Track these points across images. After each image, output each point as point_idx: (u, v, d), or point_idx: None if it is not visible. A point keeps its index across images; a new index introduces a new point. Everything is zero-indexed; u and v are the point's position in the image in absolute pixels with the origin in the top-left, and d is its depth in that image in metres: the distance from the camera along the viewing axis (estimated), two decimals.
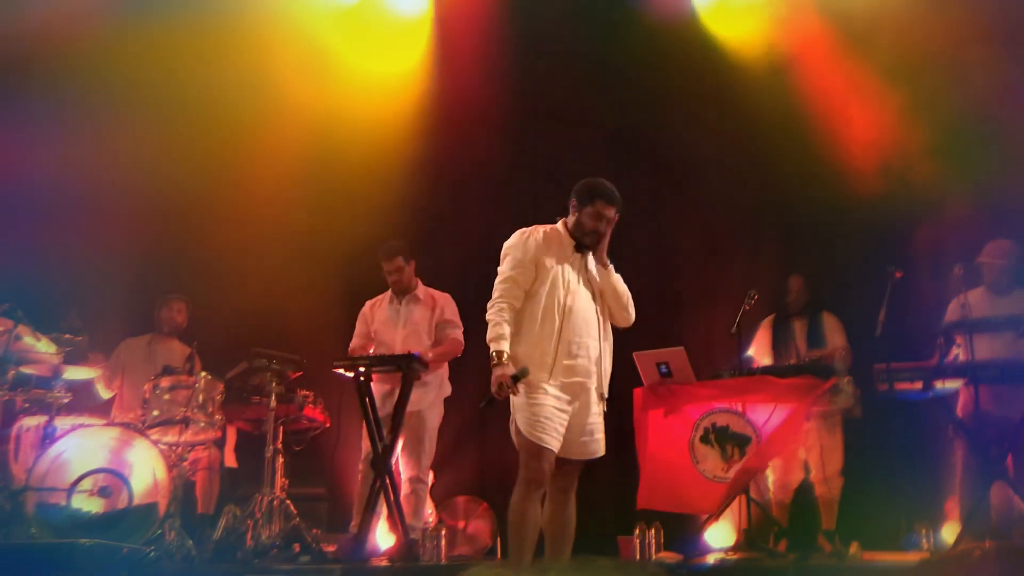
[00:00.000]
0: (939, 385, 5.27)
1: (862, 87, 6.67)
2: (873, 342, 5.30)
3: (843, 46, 6.78)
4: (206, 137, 6.71)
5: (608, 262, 4.33)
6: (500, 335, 4.14)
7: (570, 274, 4.25)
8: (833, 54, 6.80)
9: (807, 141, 6.68)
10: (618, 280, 4.35)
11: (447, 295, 6.25)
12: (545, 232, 4.32)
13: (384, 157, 7.19)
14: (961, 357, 5.41)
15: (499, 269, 4.31)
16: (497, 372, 4.09)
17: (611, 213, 4.29)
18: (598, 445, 4.27)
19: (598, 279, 4.32)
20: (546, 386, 4.13)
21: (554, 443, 4.11)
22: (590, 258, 4.34)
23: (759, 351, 6.07)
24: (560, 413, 4.14)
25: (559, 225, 4.38)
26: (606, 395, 4.29)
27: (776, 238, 6.97)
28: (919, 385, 5.25)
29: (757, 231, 7.10)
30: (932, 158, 6.24)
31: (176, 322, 6.63)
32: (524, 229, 4.35)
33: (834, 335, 5.94)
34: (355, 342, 6.21)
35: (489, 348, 4.15)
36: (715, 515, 5.52)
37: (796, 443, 5.39)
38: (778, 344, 6.01)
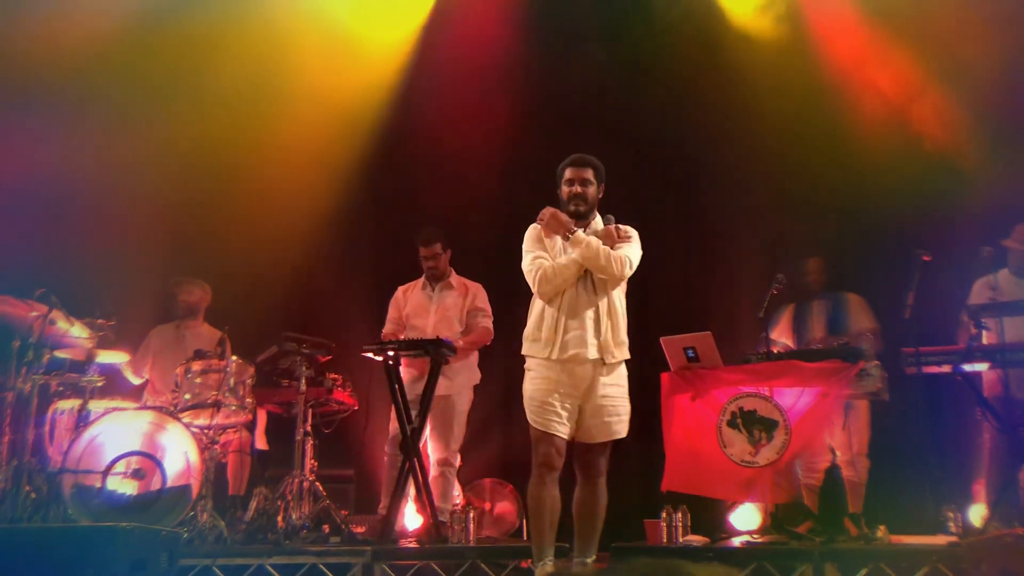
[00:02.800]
0: (968, 368, 5.25)
1: (888, 63, 6.61)
2: (901, 325, 5.28)
3: (869, 19, 6.71)
4: (235, 124, 6.76)
5: (572, 229, 4.38)
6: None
7: (568, 251, 4.38)
8: (859, 29, 6.74)
9: (834, 122, 6.63)
10: (587, 241, 4.33)
11: (479, 284, 6.34)
12: (546, 211, 4.51)
13: (414, 142, 7.21)
14: (989, 340, 5.37)
15: (523, 264, 4.48)
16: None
17: (583, 174, 4.47)
18: (619, 426, 4.32)
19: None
20: (549, 364, 4.27)
21: (558, 427, 4.21)
22: (592, 229, 4.48)
23: (780, 334, 6.06)
24: (565, 395, 4.23)
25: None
26: (612, 361, 4.33)
27: (803, 220, 6.92)
28: (947, 368, 5.24)
29: (783, 214, 7.06)
30: (960, 135, 6.18)
31: (190, 304, 6.66)
32: (533, 224, 4.55)
33: (860, 316, 5.90)
34: (388, 327, 6.29)
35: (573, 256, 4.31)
36: (745, 501, 5.54)
37: (831, 428, 5.38)
38: (798, 327, 5.99)
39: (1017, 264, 5.63)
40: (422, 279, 6.33)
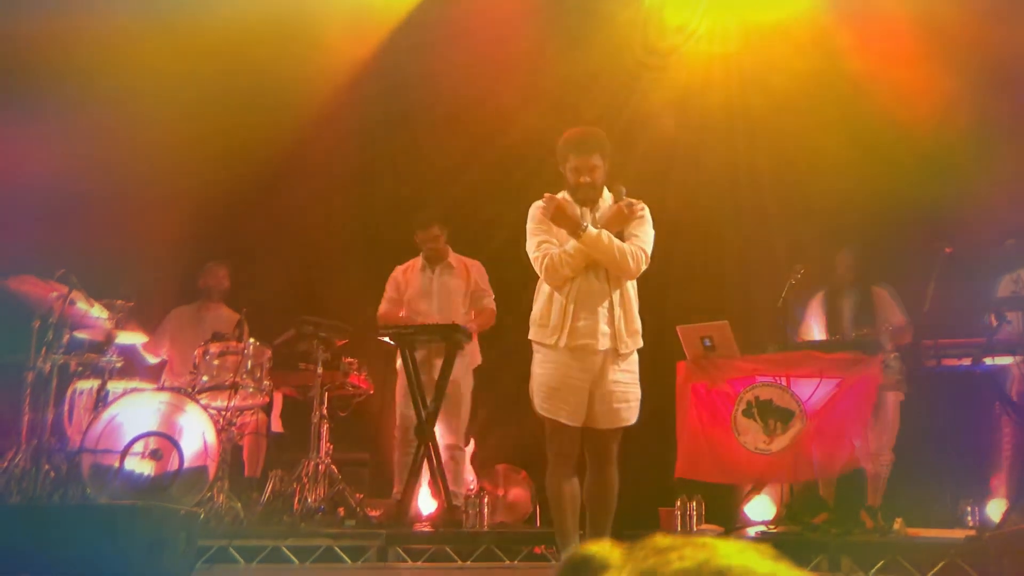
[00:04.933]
0: (989, 361, 5.20)
1: (911, 54, 6.53)
2: (921, 317, 5.24)
3: (890, 10, 6.63)
4: (251, 108, 6.75)
5: (583, 226, 4.11)
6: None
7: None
8: (881, 20, 6.66)
9: (855, 112, 6.57)
10: (598, 239, 4.09)
11: (478, 262, 6.27)
12: (549, 199, 4.25)
13: (423, 125, 7.19)
14: (1012, 333, 5.32)
15: (527, 247, 4.27)
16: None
17: (590, 161, 4.18)
18: (628, 412, 4.17)
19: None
20: (558, 351, 4.11)
21: (566, 414, 4.09)
22: (601, 210, 4.25)
23: (812, 328, 6.01)
24: (574, 381, 4.10)
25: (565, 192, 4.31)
26: (625, 352, 4.15)
27: (822, 211, 6.87)
28: (968, 361, 5.18)
29: (803, 203, 7.00)
30: (984, 127, 6.11)
31: (221, 287, 6.72)
32: (537, 202, 4.29)
33: (887, 309, 5.85)
34: (384, 307, 6.23)
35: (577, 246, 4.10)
36: (756, 489, 5.52)
37: (848, 422, 5.32)
38: (832, 321, 5.93)
39: None
40: (420, 259, 6.24)
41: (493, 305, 6.17)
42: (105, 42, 6.47)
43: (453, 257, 6.24)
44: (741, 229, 7.19)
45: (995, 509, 5.40)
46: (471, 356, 6.18)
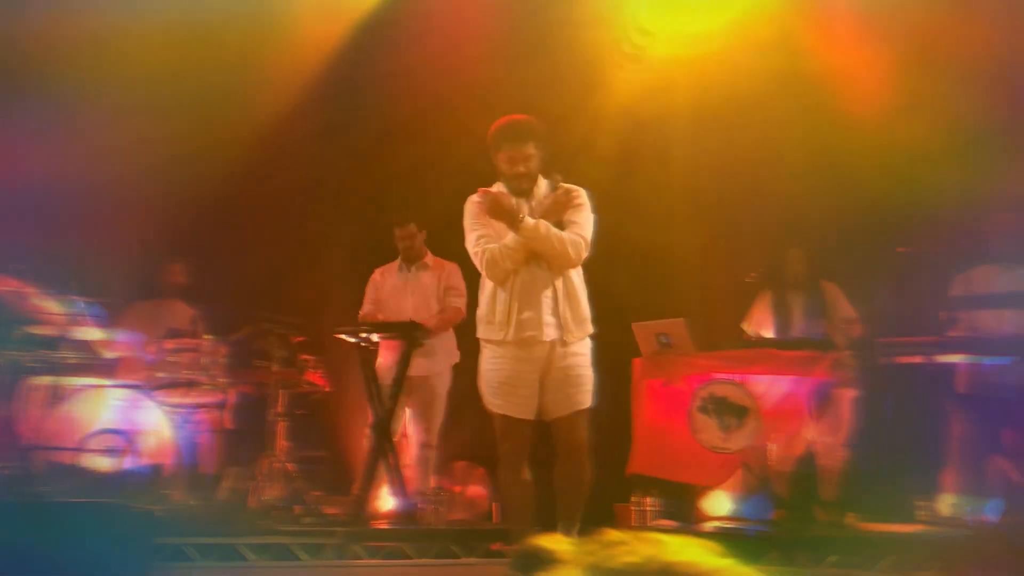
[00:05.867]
0: (940, 359, 5.30)
1: (868, 55, 6.61)
2: (875, 316, 5.32)
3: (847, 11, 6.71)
4: (214, 103, 6.68)
5: (520, 217, 4.05)
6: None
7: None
8: (837, 21, 6.73)
9: (813, 112, 6.64)
10: (536, 230, 4.04)
11: (454, 264, 6.27)
12: (484, 193, 4.22)
13: (390, 122, 7.16)
14: (963, 331, 5.42)
15: (467, 244, 4.23)
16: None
17: (524, 151, 4.10)
18: (581, 395, 4.12)
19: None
20: (505, 346, 4.10)
21: (516, 407, 4.08)
22: (537, 198, 4.20)
23: (757, 324, 6.08)
24: (523, 375, 4.07)
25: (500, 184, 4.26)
26: (572, 340, 4.11)
27: (779, 209, 6.93)
28: (920, 359, 5.28)
29: (760, 202, 7.07)
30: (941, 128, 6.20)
31: (178, 283, 6.66)
32: (470, 197, 4.25)
33: (838, 304, 5.93)
34: (365, 309, 6.27)
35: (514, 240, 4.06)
36: (715, 487, 5.57)
37: (806, 417, 5.40)
38: (778, 318, 6.00)
39: (994, 252, 5.66)
40: (398, 260, 6.30)
41: (460, 304, 6.15)
42: (59, 38, 6.38)
43: (430, 257, 6.29)
44: (698, 228, 7.24)
45: (946, 504, 5.50)
46: (448, 353, 6.18)
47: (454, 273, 6.23)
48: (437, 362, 6.08)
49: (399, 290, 6.22)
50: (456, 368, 6.27)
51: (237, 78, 6.67)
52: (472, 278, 6.14)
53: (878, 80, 6.49)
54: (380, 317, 6.18)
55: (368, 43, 7.24)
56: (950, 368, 5.46)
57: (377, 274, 6.37)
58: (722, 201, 7.16)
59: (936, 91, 6.18)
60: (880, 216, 6.47)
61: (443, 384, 6.13)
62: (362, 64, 7.24)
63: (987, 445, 5.27)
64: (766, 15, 6.90)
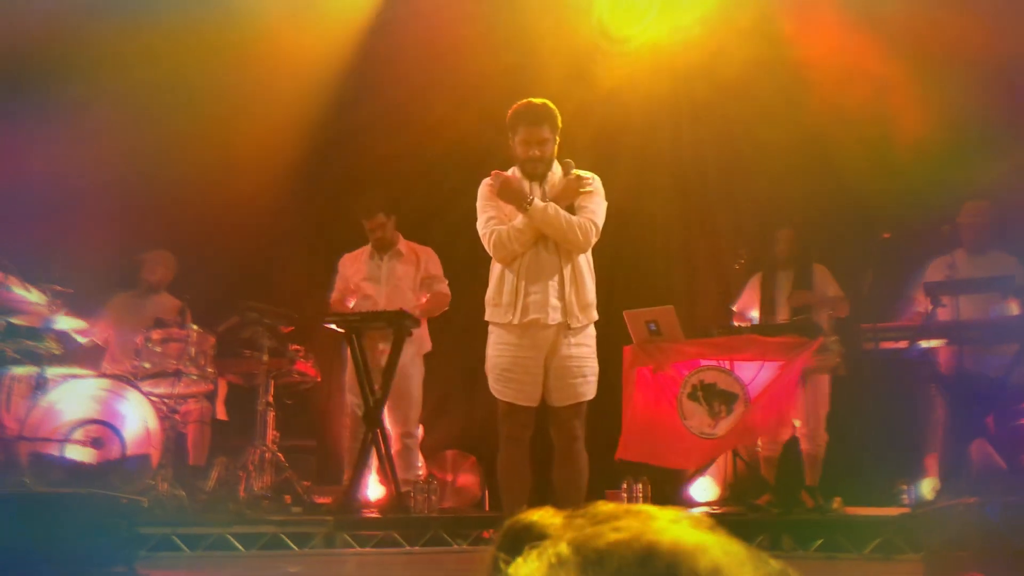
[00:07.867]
0: (923, 344, 5.35)
1: (852, 42, 6.63)
2: (859, 301, 5.35)
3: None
4: (194, 95, 6.66)
5: (529, 199, 4.08)
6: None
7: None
8: (821, 9, 6.75)
9: (797, 99, 6.66)
10: (545, 212, 4.06)
11: (429, 249, 6.21)
12: (496, 175, 4.23)
13: (370, 111, 7.15)
14: (944, 316, 5.46)
15: (477, 226, 4.25)
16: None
17: (540, 133, 4.12)
18: (584, 387, 4.14)
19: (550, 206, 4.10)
20: (510, 329, 4.10)
21: (519, 394, 4.09)
22: (550, 182, 4.21)
23: (746, 305, 6.10)
24: (527, 361, 4.08)
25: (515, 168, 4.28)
26: (577, 326, 4.11)
27: (764, 197, 6.96)
28: (904, 344, 5.32)
29: (746, 190, 7.10)
30: (926, 117, 6.23)
31: (159, 275, 6.59)
32: (485, 179, 4.27)
33: (827, 285, 5.95)
34: (335, 295, 6.16)
35: (526, 221, 4.08)
36: (700, 471, 5.60)
37: (789, 403, 5.43)
38: (765, 298, 6.02)
39: (970, 241, 5.71)
40: (368, 247, 6.15)
41: (447, 290, 6.11)
42: (43, 33, 6.35)
43: (403, 244, 6.16)
44: (686, 215, 7.27)
45: (929, 488, 5.55)
46: (420, 342, 6.12)
47: (431, 260, 6.16)
48: (409, 351, 5.96)
49: (372, 279, 6.08)
50: (443, 356, 6.26)
51: (221, 72, 6.65)
52: (456, 260, 6.16)
53: (858, 66, 6.52)
54: (351, 303, 6.11)
55: (346, 33, 7.23)
56: (933, 353, 5.51)
57: (347, 259, 6.22)
58: (706, 189, 7.19)
59: (919, 80, 6.21)
60: (862, 202, 6.51)
61: (417, 373, 6.05)
62: (346, 55, 7.22)
63: (970, 429, 5.32)
64: (747, 2, 6.92)
